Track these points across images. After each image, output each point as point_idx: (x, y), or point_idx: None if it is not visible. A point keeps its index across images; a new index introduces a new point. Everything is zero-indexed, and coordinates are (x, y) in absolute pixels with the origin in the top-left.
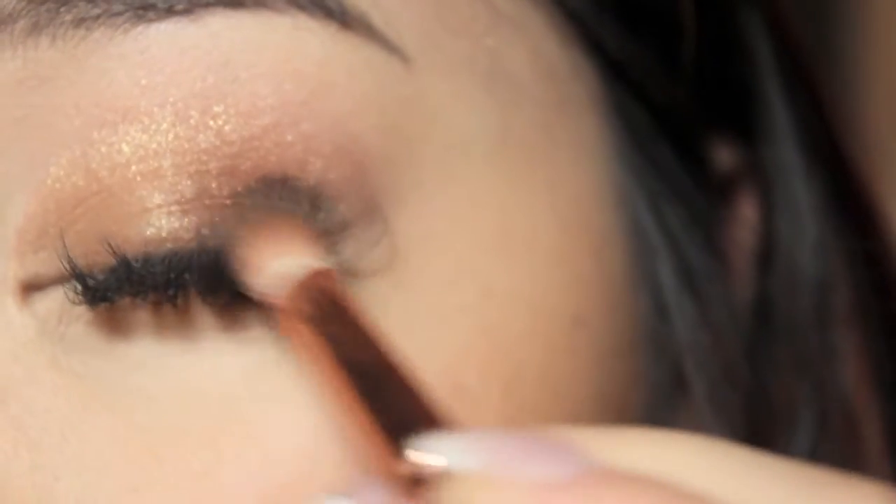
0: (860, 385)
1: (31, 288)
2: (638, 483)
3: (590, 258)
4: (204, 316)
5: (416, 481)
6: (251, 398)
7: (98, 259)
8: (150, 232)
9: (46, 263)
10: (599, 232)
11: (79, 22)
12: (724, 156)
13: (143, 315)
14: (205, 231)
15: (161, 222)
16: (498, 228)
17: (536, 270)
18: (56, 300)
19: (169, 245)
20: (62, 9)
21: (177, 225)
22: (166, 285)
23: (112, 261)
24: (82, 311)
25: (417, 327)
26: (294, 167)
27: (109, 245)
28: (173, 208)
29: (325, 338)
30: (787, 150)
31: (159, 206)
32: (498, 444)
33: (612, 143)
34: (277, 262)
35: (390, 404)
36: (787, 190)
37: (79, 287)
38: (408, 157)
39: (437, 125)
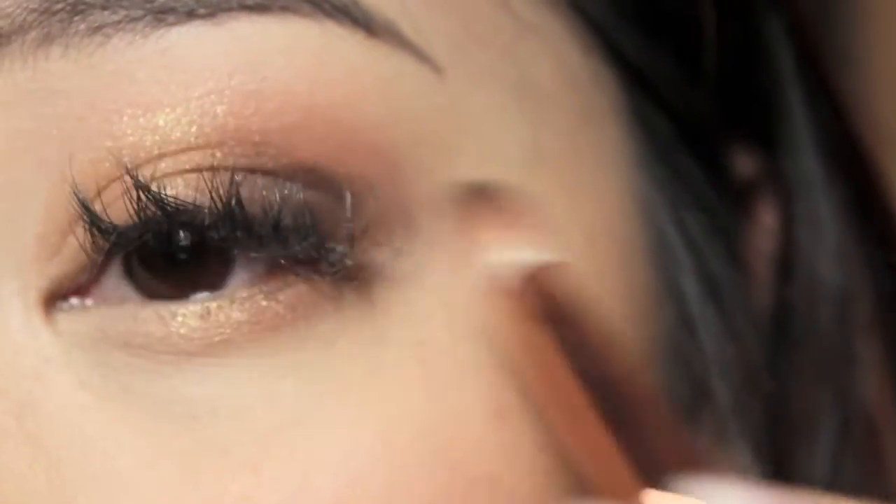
0: (882, 394)
1: (54, 299)
2: None
3: (616, 271)
4: (252, 338)
5: None
6: (294, 421)
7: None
8: (170, 188)
9: (68, 261)
10: (625, 244)
11: (94, 30)
12: (744, 163)
13: (188, 341)
14: (213, 197)
15: (181, 182)
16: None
17: None
18: (88, 322)
19: (191, 207)
20: (76, 18)
21: (200, 184)
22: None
23: (132, 215)
24: (120, 333)
25: (453, 341)
26: (326, 161)
27: (129, 194)
28: (194, 177)
29: (559, 342)
30: (807, 158)
31: (186, 171)
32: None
33: (634, 153)
34: (506, 249)
35: (633, 431)
36: (808, 198)
37: (98, 236)
38: (445, 167)
39: (472, 137)
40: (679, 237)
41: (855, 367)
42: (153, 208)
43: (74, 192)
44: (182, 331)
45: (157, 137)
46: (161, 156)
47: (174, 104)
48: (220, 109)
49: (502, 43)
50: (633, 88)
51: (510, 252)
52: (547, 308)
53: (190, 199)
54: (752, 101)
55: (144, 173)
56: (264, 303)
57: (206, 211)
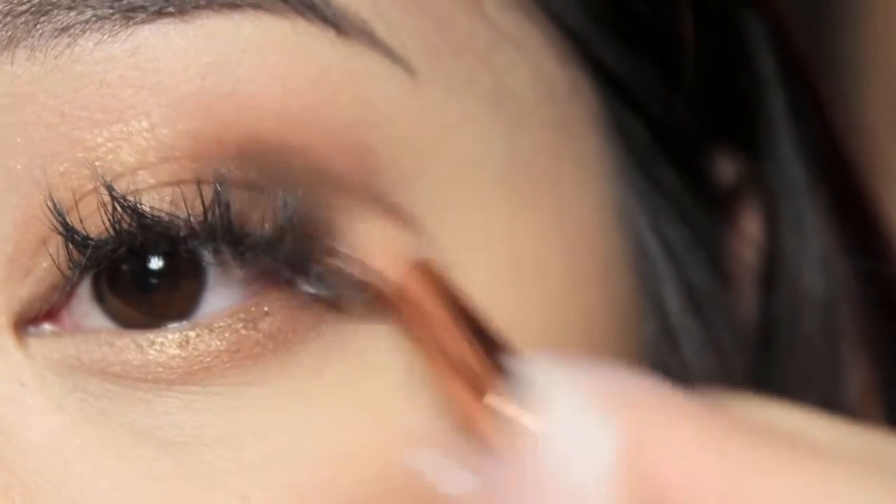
0: (866, 401)
1: (25, 322)
2: (744, 416)
3: (597, 284)
4: (233, 366)
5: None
6: (285, 451)
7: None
8: (148, 203)
9: (38, 282)
10: (605, 256)
11: (61, 31)
12: (726, 170)
13: (167, 369)
14: (191, 210)
15: (156, 198)
16: (510, 257)
17: (547, 300)
18: (58, 347)
19: (166, 221)
20: (41, 19)
21: (175, 194)
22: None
23: (107, 228)
24: (96, 361)
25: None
26: (302, 166)
27: (102, 202)
28: (170, 190)
29: (441, 319)
30: (790, 164)
31: (154, 187)
32: (608, 372)
33: (613, 163)
34: (382, 248)
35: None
36: (792, 205)
37: (72, 248)
38: (420, 174)
39: (447, 143)
40: (659, 247)
41: (839, 374)
42: (128, 220)
43: (51, 205)
44: (161, 359)
45: (130, 147)
46: (136, 168)
47: (147, 110)
48: (194, 115)
49: (477, 50)
50: (612, 97)
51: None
52: (427, 291)
53: (167, 211)
54: (733, 108)
55: (120, 186)
56: (244, 332)
57: (183, 222)
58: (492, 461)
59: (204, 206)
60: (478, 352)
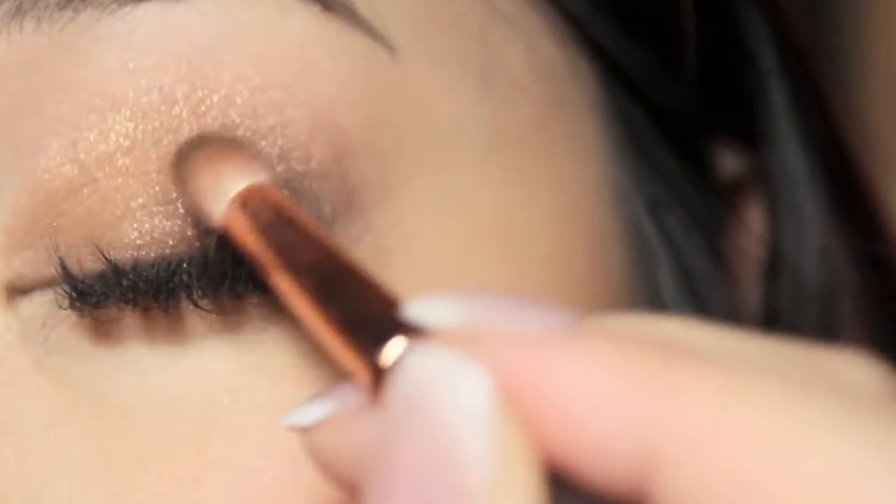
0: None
1: (15, 290)
2: (634, 337)
3: (588, 259)
4: (193, 320)
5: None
6: (238, 403)
7: (86, 264)
8: (136, 236)
9: (32, 264)
10: (597, 233)
11: (65, 3)
12: (728, 162)
13: (130, 319)
14: (191, 232)
15: (146, 226)
16: (494, 226)
17: (534, 270)
18: (42, 304)
19: (157, 250)
20: None
21: (164, 227)
22: (157, 291)
23: (101, 266)
24: (68, 314)
25: None
26: (274, 156)
27: (98, 249)
28: (159, 208)
29: (276, 247)
30: (791, 156)
31: (144, 207)
32: (484, 303)
33: (611, 146)
34: (216, 183)
35: (356, 302)
36: (792, 196)
37: (67, 291)
38: (394, 149)
39: (424, 118)
40: (656, 232)
41: None
42: (119, 264)
43: (56, 255)
44: (126, 320)
45: (119, 138)
46: (129, 166)
47: (139, 99)
48: (181, 103)
49: (469, 26)
50: (612, 82)
51: (233, 178)
52: (260, 219)
53: (155, 249)
54: (734, 98)
55: (110, 206)
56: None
57: (175, 261)
58: (360, 399)
59: (192, 248)
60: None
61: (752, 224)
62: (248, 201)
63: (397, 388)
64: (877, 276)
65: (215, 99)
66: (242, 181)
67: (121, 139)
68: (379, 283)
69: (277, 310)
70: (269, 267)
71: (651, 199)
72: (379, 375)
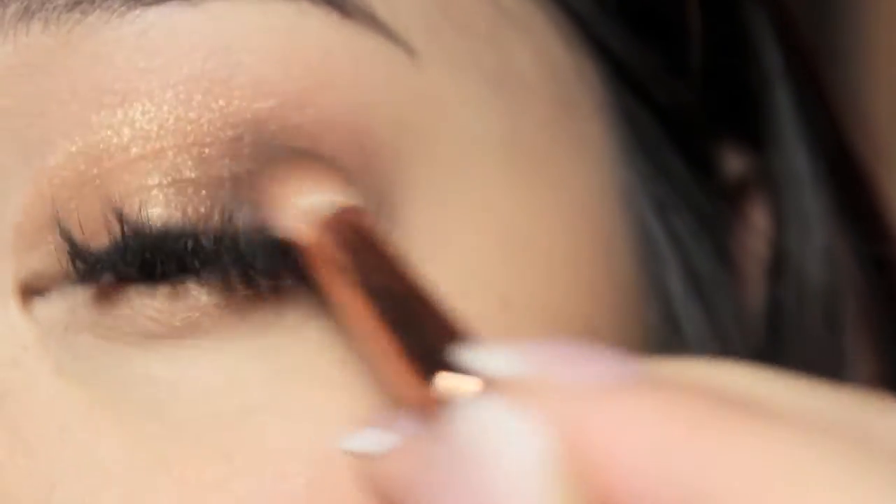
0: (871, 391)
1: (31, 290)
2: (690, 385)
3: (599, 264)
4: (220, 322)
5: (452, 399)
6: (267, 409)
7: (98, 237)
8: (151, 209)
9: (46, 260)
10: (608, 237)
11: (73, 5)
12: (733, 162)
13: (156, 322)
14: (204, 209)
15: (161, 200)
16: (512, 235)
17: (551, 278)
18: (60, 307)
19: (172, 223)
20: None
21: (180, 201)
22: (175, 265)
23: (112, 238)
24: (89, 315)
25: None
26: (298, 153)
27: (108, 220)
28: (174, 188)
29: (356, 271)
30: (795, 156)
31: (160, 185)
32: (540, 352)
33: (618, 148)
34: (303, 199)
35: (423, 331)
36: (797, 196)
37: (77, 262)
38: (420, 154)
39: (447, 123)
40: (664, 233)
41: (844, 364)
42: (133, 237)
43: (57, 223)
44: (148, 312)
45: (133, 132)
46: (140, 156)
47: (151, 94)
48: (196, 100)
49: (481, 30)
50: (618, 83)
51: (309, 201)
52: (344, 243)
53: (173, 224)
54: (740, 99)
55: (124, 187)
56: (237, 285)
57: (190, 238)
58: (418, 429)
59: (206, 219)
60: (390, 324)
61: (757, 225)
62: (331, 219)
63: (455, 430)
64: (881, 276)
65: (237, 95)
66: (319, 197)
67: (134, 132)
68: (447, 315)
69: (310, 316)
70: (340, 283)
71: (658, 200)
72: (432, 406)
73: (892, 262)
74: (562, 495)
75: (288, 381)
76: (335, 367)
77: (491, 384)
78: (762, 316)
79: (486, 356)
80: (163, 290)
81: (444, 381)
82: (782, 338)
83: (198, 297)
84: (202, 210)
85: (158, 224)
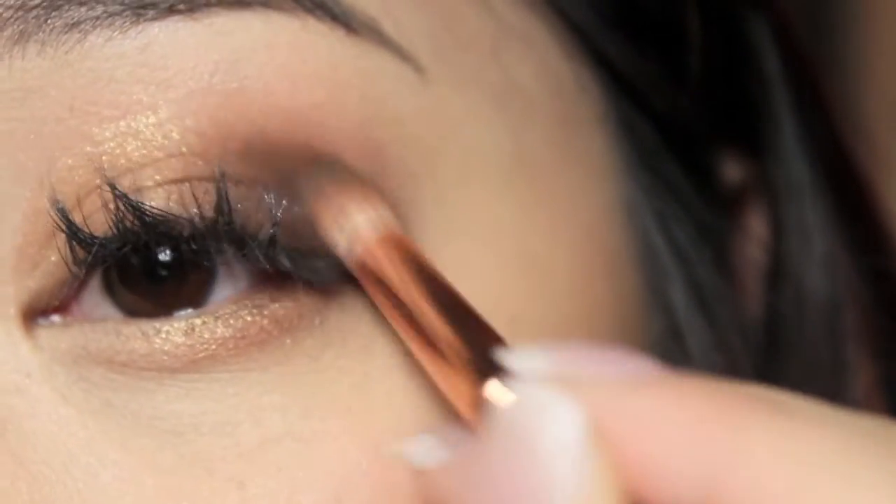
0: (871, 400)
1: (34, 313)
2: (717, 383)
3: (604, 280)
4: (238, 353)
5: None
6: (280, 436)
7: (101, 226)
8: (152, 201)
9: (47, 274)
10: (612, 252)
11: (71, 26)
12: (732, 170)
13: (172, 357)
14: (195, 210)
15: (162, 196)
16: (519, 252)
17: (557, 295)
18: (68, 338)
19: (171, 217)
20: (52, 14)
21: (185, 211)
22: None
23: (115, 234)
24: (103, 352)
25: None
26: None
27: (111, 226)
28: (176, 195)
29: (412, 284)
30: (794, 164)
31: (164, 190)
32: (573, 352)
33: (620, 160)
34: (358, 217)
35: (475, 337)
36: (796, 205)
37: (76, 246)
38: (428, 171)
39: (455, 140)
40: (666, 245)
41: (844, 373)
42: (132, 219)
43: (54, 203)
44: (166, 347)
45: (137, 142)
46: (142, 164)
47: (155, 106)
48: (201, 112)
49: (485, 46)
50: (619, 95)
51: (366, 215)
52: (400, 252)
53: (171, 211)
54: (739, 108)
55: (124, 183)
56: (249, 318)
57: (186, 222)
58: (466, 437)
59: (202, 205)
60: (447, 329)
61: (756, 231)
62: (387, 238)
63: (503, 418)
64: (880, 284)
65: (244, 111)
66: (370, 216)
67: (139, 143)
68: (487, 322)
69: (328, 344)
70: (396, 296)
71: (659, 211)
72: (480, 406)
73: (892, 271)
74: (594, 470)
75: (306, 410)
76: (354, 392)
77: (531, 377)
78: (761, 325)
79: (525, 356)
80: (178, 326)
81: (495, 383)
82: (781, 346)
83: (214, 329)
84: (210, 216)
85: (157, 212)
